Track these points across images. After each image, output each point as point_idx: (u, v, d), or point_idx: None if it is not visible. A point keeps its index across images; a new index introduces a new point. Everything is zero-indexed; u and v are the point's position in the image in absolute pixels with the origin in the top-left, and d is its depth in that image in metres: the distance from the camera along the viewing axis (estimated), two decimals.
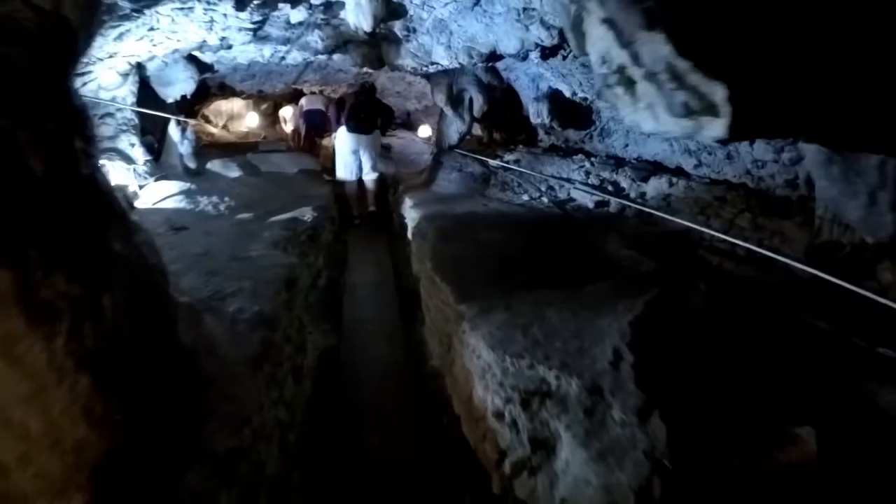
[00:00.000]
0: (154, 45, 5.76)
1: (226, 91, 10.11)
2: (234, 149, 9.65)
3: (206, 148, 9.62)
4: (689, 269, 4.16)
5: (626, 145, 7.72)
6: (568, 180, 7.31)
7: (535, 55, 5.77)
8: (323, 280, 5.47)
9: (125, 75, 6.29)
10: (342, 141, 7.62)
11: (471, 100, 7.71)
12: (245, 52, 6.84)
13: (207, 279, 3.51)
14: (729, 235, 4.27)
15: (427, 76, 7.97)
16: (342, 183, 7.76)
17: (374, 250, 6.98)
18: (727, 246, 4.33)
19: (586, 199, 6.61)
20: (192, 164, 7.32)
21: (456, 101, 7.66)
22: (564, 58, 5.97)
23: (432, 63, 6.13)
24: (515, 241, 4.88)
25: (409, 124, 12.56)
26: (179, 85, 7.38)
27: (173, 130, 7.31)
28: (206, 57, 7.15)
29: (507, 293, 3.56)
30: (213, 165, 7.54)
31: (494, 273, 4.06)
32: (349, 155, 7.62)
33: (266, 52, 6.75)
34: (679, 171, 6.31)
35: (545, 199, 6.91)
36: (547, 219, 6.02)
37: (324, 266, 5.63)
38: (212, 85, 9.76)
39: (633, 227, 5.34)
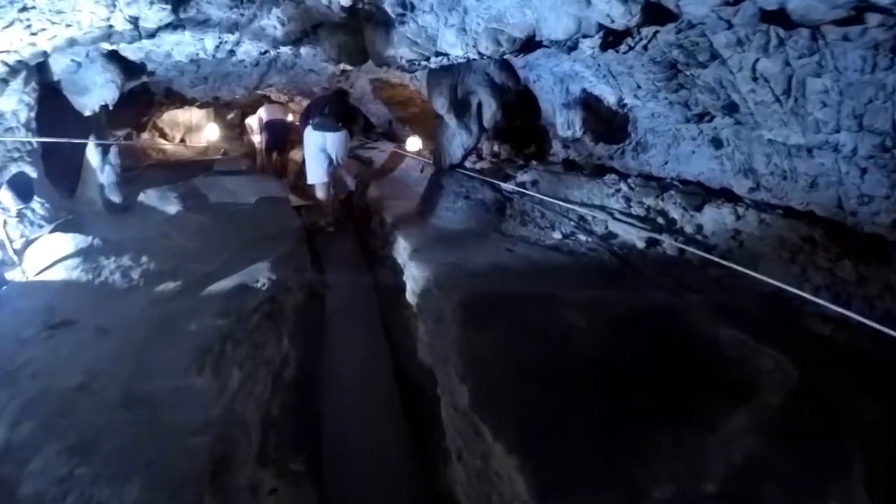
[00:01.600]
0: (34, 34, 3.83)
1: (173, 99, 8.07)
2: (186, 168, 7.67)
3: (149, 169, 7.61)
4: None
5: (666, 162, 5.98)
6: (602, 208, 5.55)
7: (589, 44, 3.91)
8: (291, 371, 3.56)
9: (3, 81, 4.27)
10: (309, 140, 6.66)
11: (479, 105, 5.78)
12: (180, 44, 4.93)
13: (69, 471, 1.92)
14: (830, 291, 3.42)
15: (424, 74, 6.07)
16: (313, 187, 6.84)
17: (359, 308, 4.99)
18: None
19: (631, 234, 4.93)
20: (115, 198, 5.36)
21: (461, 106, 5.73)
22: (630, 49, 4.07)
23: (438, 54, 4.21)
24: (583, 325, 3.12)
25: (393, 135, 10.56)
26: (98, 92, 5.41)
27: (92, 154, 5.31)
28: (130, 53, 5.18)
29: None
30: (148, 197, 5.61)
31: (586, 411, 2.31)
32: (317, 154, 6.66)
33: (208, 43, 4.81)
34: (725, 195, 5.15)
35: (582, 237, 5.11)
36: (604, 274, 4.24)
37: (290, 350, 3.69)
38: (156, 92, 7.72)
39: (712, 282, 3.95)
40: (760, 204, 4.77)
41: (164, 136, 10.66)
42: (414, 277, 4.22)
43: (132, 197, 5.66)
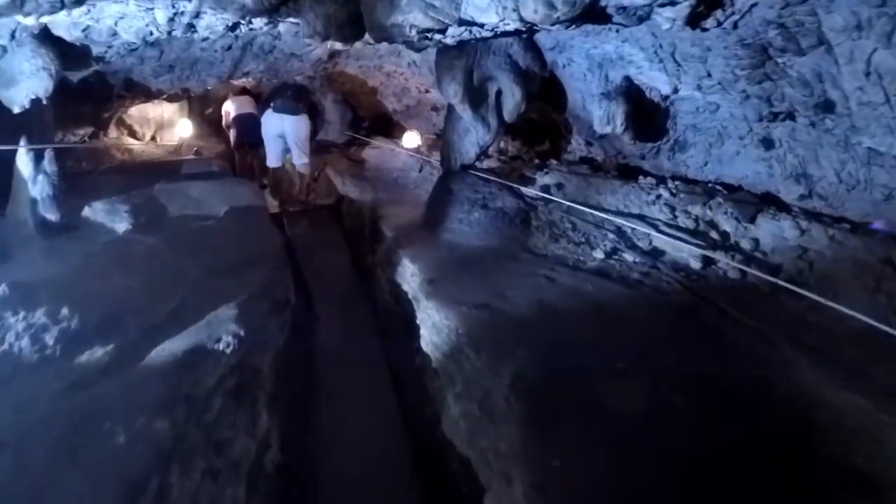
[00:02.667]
0: None
1: (136, 92, 6.84)
2: (150, 172, 6.49)
3: (108, 174, 6.44)
4: None
5: (706, 163, 5.09)
6: (643, 218, 4.59)
7: (670, 14, 2.84)
8: (270, 469, 2.45)
9: None
10: (267, 124, 6.30)
11: (499, 94, 4.64)
12: (124, 17, 3.90)
13: None
14: None
15: (424, 59, 4.96)
16: (272, 170, 6.60)
17: (357, 354, 3.93)
18: None
19: (682, 251, 4.06)
20: (51, 215, 4.26)
21: (477, 95, 4.62)
22: (718, 25, 3.04)
23: (461, 23, 3.11)
24: (681, 406, 2.27)
25: (385, 129, 9.38)
26: (26, 83, 4.28)
27: (23, 162, 4.19)
28: (65, 31, 4.07)
29: None
30: (94, 211, 4.55)
31: None
32: (274, 139, 6.31)
33: (159, 15, 3.71)
34: (769, 201, 4.58)
35: (627, 257, 4.11)
36: (675, 312, 3.28)
37: (269, 433, 2.58)
38: (114, 84, 6.48)
39: (796, 318, 3.16)
40: (814, 214, 4.24)
41: (133, 134, 9.40)
42: (435, 325, 3.11)
43: (75, 212, 4.50)
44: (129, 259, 3.45)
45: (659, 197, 4.76)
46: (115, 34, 4.26)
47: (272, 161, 6.33)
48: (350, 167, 7.19)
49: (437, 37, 3.57)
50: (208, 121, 11.04)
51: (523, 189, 5.00)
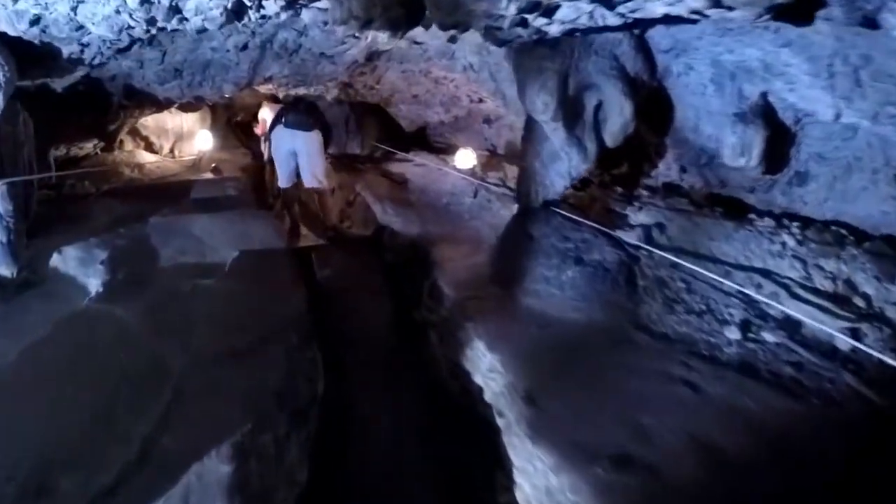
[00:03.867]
0: None
1: (141, 101, 5.64)
2: (154, 195, 5.36)
3: (106, 197, 5.28)
4: None
5: (826, 199, 3.93)
6: (767, 274, 3.42)
7: None
8: None
9: None
10: (278, 140, 5.52)
11: (598, 107, 3.31)
12: (83, 2, 2.49)
13: None
14: None
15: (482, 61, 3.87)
16: (284, 192, 5.76)
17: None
18: None
19: (822, 322, 2.96)
20: (5, 268, 3.05)
21: (573, 108, 3.27)
22: None
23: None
24: None
25: (428, 143, 8.09)
26: None
27: None
28: (5, 24, 2.83)
29: None
30: (64, 260, 3.56)
31: None
32: (286, 157, 5.49)
33: None
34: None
35: (769, 338, 2.99)
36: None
37: None
38: (113, 92, 5.28)
39: None
40: None
41: (150, 146, 8.24)
42: (549, 491, 1.79)
43: (41, 260, 3.33)
44: (88, 350, 2.25)
45: (784, 246, 3.56)
46: (81, 27, 3.06)
47: (283, 181, 5.55)
48: (391, 190, 5.90)
49: (540, 21, 2.28)
50: (235, 129, 9.87)
51: (623, 235, 3.67)
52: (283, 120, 5.41)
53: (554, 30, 2.50)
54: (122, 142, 7.84)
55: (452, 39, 4.76)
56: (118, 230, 3.90)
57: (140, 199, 5.28)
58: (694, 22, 2.62)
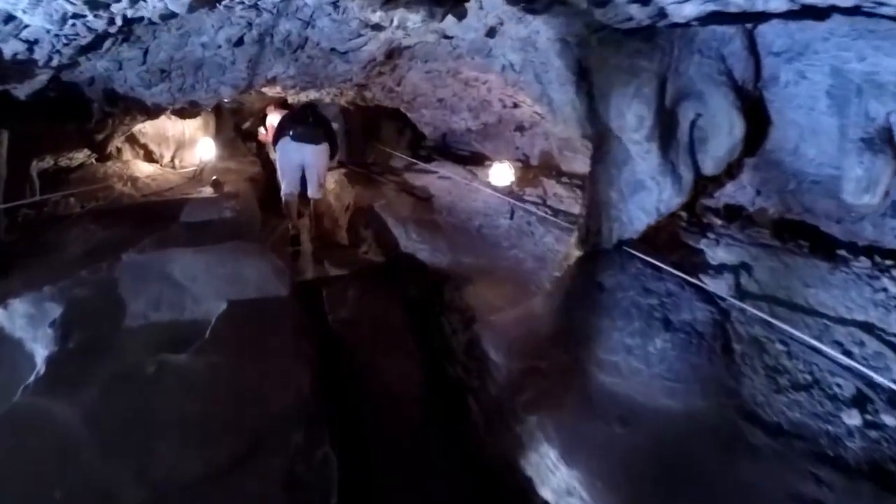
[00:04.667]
0: None
1: (127, 106, 4.83)
2: (142, 216, 4.66)
3: (86, 220, 4.55)
4: None
5: None
6: (871, 329, 2.72)
7: None
8: None
9: None
10: (285, 153, 5.14)
11: (695, 122, 2.41)
12: None
13: None
14: None
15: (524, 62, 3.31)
16: (286, 201, 5.25)
17: None
18: None
19: None
20: None
21: (667, 123, 2.35)
22: None
23: None
24: None
25: (452, 152, 7.23)
26: None
27: None
28: None
29: None
30: (9, 317, 2.78)
31: None
32: (293, 170, 5.15)
33: None
34: None
35: (888, 420, 2.36)
36: None
37: None
38: (93, 98, 4.49)
39: None
40: None
41: (149, 155, 7.44)
42: None
43: None
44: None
45: (886, 292, 2.82)
46: (10, 18, 2.24)
47: (288, 188, 5.19)
48: (414, 208, 5.04)
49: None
50: (245, 137, 9.07)
51: (711, 284, 2.80)
52: (290, 132, 5.04)
53: (688, 11, 1.64)
54: (119, 150, 7.07)
55: (491, 33, 3.90)
56: (81, 273, 3.06)
57: (124, 220, 4.49)
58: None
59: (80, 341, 2.52)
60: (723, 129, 2.55)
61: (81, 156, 5.95)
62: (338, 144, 5.54)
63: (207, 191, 5.79)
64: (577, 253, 3.16)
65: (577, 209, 4.91)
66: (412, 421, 3.04)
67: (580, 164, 5.86)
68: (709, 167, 2.70)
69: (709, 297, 2.81)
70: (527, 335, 2.93)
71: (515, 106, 5.49)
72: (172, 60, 4.02)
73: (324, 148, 5.14)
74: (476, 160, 6.87)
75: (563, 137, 5.60)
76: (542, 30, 3.72)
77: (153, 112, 5.03)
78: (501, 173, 4.83)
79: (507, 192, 4.88)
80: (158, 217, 4.51)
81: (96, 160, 6.31)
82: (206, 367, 2.31)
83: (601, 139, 2.80)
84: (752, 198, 4.03)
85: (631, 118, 2.39)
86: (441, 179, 5.85)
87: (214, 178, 5.99)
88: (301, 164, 5.10)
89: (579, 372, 2.60)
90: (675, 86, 2.42)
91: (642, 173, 2.62)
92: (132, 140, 7.22)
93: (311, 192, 5.24)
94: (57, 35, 2.94)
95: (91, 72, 4.07)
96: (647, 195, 2.69)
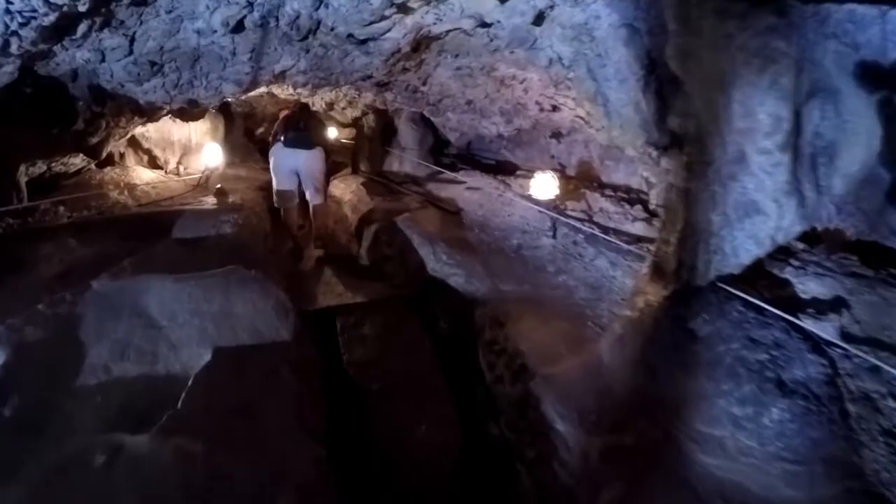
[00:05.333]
0: None
1: (116, 105, 4.23)
2: (129, 230, 4.08)
3: (65, 234, 3.96)
4: None
5: None
6: None
7: None
8: None
9: None
10: (278, 159, 4.85)
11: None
12: None
13: None
14: None
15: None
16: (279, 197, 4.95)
17: None
18: None
19: None
20: None
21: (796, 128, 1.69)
22: None
23: None
24: None
25: (474, 160, 6.58)
26: None
27: None
28: None
29: None
30: None
31: None
32: (288, 176, 4.86)
33: None
34: None
35: None
36: None
37: None
38: (78, 96, 3.90)
39: None
40: None
41: (154, 161, 6.87)
42: None
43: None
44: None
45: None
46: None
47: (282, 197, 4.92)
48: (442, 223, 4.37)
49: None
50: (258, 143, 8.46)
51: (814, 327, 2.12)
52: (281, 138, 4.76)
53: None
54: (122, 156, 6.52)
55: (538, 19, 3.25)
56: (38, 307, 2.43)
57: (109, 234, 3.89)
58: None
59: (16, 409, 1.89)
60: (859, 138, 1.88)
61: (78, 161, 5.40)
62: (329, 150, 5.29)
63: (210, 201, 5.18)
64: (655, 290, 2.48)
65: (628, 226, 4.25)
66: (446, 498, 2.38)
67: (622, 174, 5.19)
68: (837, 186, 2.02)
69: (815, 345, 2.13)
70: (600, 396, 2.26)
71: (554, 109, 4.84)
72: (163, 51, 3.40)
73: (317, 153, 4.85)
74: (504, 169, 6.21)
75: (607, 145, 4.95)
76: (603, 14, 3.06)
77: (148, 112, 4.43)
78: (544, 185, 4.15)
79: (549, 206, 4.21)
80: (148, 231, 3.89)
81: (97, 166, 5.80)
82: (174, 458, 1.65)
83: (701, 147, 2.12)
84: (830, 215, 3.34)
85: (764, 119, 1.74)
86: (470, 191, 5.19)
87: (218, 186, 5.38)
88: (295, 170, 4.81)
89: (674, 450, 1.93)
90: (809, 78, 1.76)
91: (759, 192, 1.95)
92: (135, 145, 6.67)
93: (310, 197, 4.93)
94: (8, 11, 2.34)
95: (70, 64, 3.47)
96: (762, 221, 2.02)
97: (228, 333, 2.30)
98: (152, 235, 3.80)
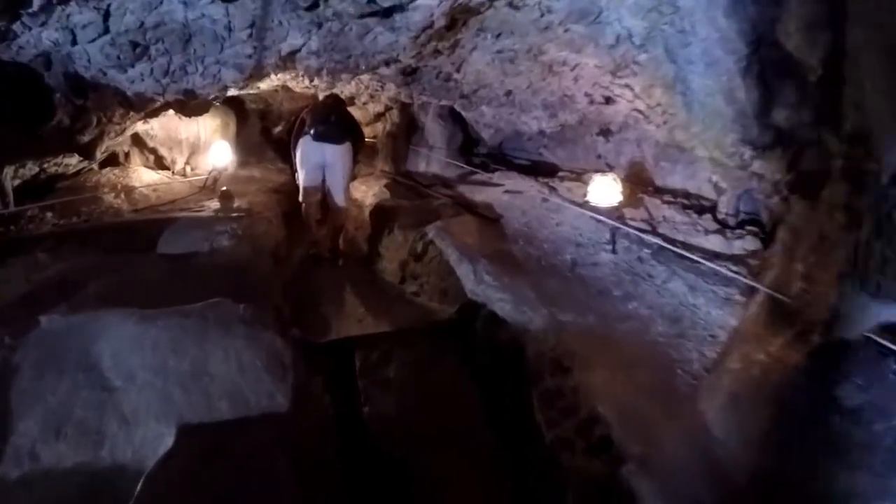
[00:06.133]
0: None
1: (101, 99, 3.61)
2: (113, 243, 3.48)
3: (45, 243, 3.37)
4: None
5: None
6: None
7: None
8: None
9: None
10: (305, 152, 4.52)
11: None
12: None
13: None
14: None
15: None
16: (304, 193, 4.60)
17: None
18: None
19: None
20: None
21: None
22: None
23: None
24: None
25: (507, 160, 5.89)
26: None
27: None
28: None
29: None
30: None
31: None
32: (314, 169, 4.52)
33: None
34: None
35: None
36: None
37: None
38: (54, 86, 3.29)
39: None
40: None
41: (160, 161, 6.28)
42: None
43: None
44: None
45: None
46: None
47: (307, 192, 4.59)
48: (481, 233, 3.68)
49: None
50: (275, 143, 7.83)
51: None
52: (311, 131, 4.41)
53: None
54: (127, 155, 5.95)
55: None
56: None
57: (88, 247, 3.30)
58: None
59: None
60: None
61: (75, 162, 4.86)
62: (364, 143, 5.00)
63: (214, 205, 4.57)
64: (777, 338, 1.80)
65: (700, 240, 3.53)
66: None
67: (679, 177, 4.44)
68: None
69: None
70: (715, 486, 1.58)
71: (607, 101, 4.14)
72: (145, 29, 2.77)
73: (346, 147, 4.50)
74: (543, 170, 5.50)
75: (664, 144, 4.24)
76: None
77: (138, 105, 3.80)
78: (605, 189, 3.44)
79: (612, 214, 3.51)
80: (133, 243, 3.28)
81: (100, 166, 5.24)
82: None
83: (867, 150, 1.42)
84: None
85: None
86: (509, 195, 4.50)
87: (224, 188, 4.76)
88: (321, 164, 4.47)
89: None
90: None
91: None
92: (140, 143, 6.08)
93: (336, 200, 4.59)
94: None
95: (36, 47, 2.86)
96: None
97: (201, 401, 1.65)
98: (136, 249, 3.19)
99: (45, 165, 4.59)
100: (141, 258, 2.98)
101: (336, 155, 4.46)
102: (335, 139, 4.42)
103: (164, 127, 6.06)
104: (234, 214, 3.97)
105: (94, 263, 2.95)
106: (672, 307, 2.83)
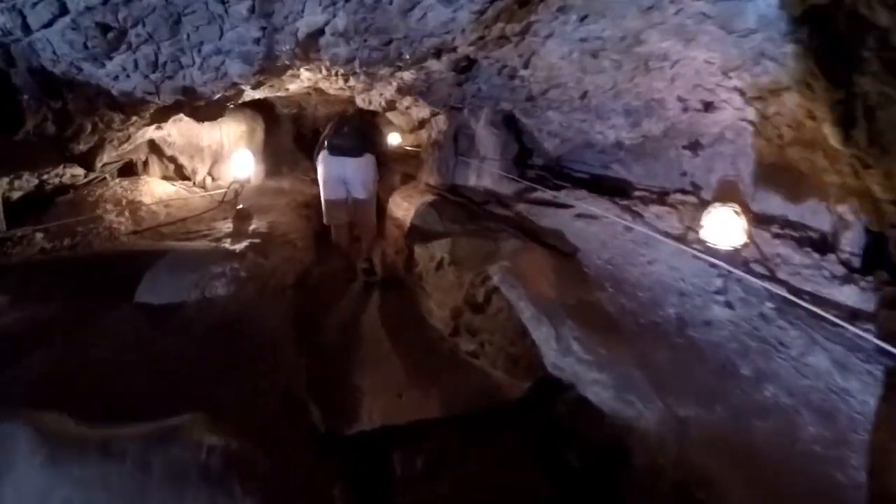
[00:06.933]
0: None
1: (78, 98, 2.92)
2: (109, 274, 2.82)
3: (12, 281, 2.62)
4: None
5: None
6: None
7: None
8: None
9: None
10: (325, 168, 4.30)
11: None
12: None
13: None
14: None
15: None
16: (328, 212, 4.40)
17: None
18: None
19: None
20: None
21: None
22: None
23: None
24: None
25: (565, 174, 5.00)
26: None
27: None
28: None
29: None
30: None
31: None
32: (336, 187, 4.28)
33: None
34: None
35: None
36: None
37: None
38: (21, 85, 2.58)
39: None
40: None
41: (180, 171, 5.66)
42: None
43: None
44: None
45: None
46: None
47: (331, 212, 4.31)
48: (559, 276, 2.82)
49: None
50: (307, 151, 7.17)
51: None
52: (328, 145, 4.25)
53: None
54: (146, 164, 5.36)
55: None
56: None
57: (57, 287, 2.61)
58: None
59: None
60: None
61: (82, 173, 4.35)
62: (383, 153, 4.83)
63: (226, 228, 3.86)
64: None
65: (831, 291, 2.60)
66: None
67: (779, 203, 3.52)
68: None
69: None
70: None
71: (706, 108, 3.26)
72: (115, 5, 2.02)
73: (367, 160, 4.29)
74: (613, 188, 4.59)
75: (769, 159, 3.33)
76: None
77: (128, 108, 3.07)
78: (725, 224, 2.58)
79: (734, 259, 2.63)
80: (108, 285, 2.54)
81: (118, 175, 4.82)
82: None
83: None
84: None
85: None
86: (581, 219, 3.65)
87: (240, 206, 4.06)
88: (343, 179, 4.25)
89: None
90: None
91: None
92: (158, 152, 5.45)
93: (363, 216, 4.41)
94: None
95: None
96: None
97: None
98: (110, 292, 2.45)
99: (45, 177, 4.07)
100: (110, 311, 2.23)
101: (357, 168, 4.23)
102: (351, 152, 4.20)
103: (184, 133, 5.47)
104: (245, 243, 3.19)
105: (51, 315, 2.22)
106: (820, 394, 1.97)
